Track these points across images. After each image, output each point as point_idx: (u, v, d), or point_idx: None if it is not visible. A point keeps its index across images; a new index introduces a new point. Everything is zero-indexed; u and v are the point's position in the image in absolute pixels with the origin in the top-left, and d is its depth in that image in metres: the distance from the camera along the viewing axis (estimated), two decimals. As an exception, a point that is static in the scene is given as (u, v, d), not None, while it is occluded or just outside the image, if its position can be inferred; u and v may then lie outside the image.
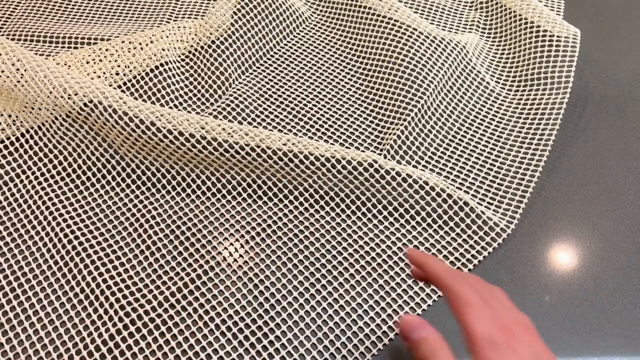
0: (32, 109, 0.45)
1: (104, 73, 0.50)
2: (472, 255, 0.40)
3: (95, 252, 0.39)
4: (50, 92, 0.43)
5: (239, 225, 0.42)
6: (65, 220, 0.41)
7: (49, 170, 0.44)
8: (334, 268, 0.39)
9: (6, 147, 0.46)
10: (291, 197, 0.43)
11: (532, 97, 0.49)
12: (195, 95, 0.51)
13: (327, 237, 0.41)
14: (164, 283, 0.38)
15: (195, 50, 0.52)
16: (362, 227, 0.41)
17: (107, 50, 0.51)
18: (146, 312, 0.37)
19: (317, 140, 0.46)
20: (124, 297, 0.37)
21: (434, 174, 0.45)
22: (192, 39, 0.53)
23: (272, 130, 0.47)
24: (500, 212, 0.42)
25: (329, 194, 0.42)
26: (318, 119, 0.49)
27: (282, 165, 0.41)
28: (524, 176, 0.44)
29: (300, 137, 0.46)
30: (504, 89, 0.51)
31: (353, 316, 0.37)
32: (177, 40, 0.53)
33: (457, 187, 0.44)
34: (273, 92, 0.51)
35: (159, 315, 0.37)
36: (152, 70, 0.50)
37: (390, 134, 0.47)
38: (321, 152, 0.41)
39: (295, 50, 0.55)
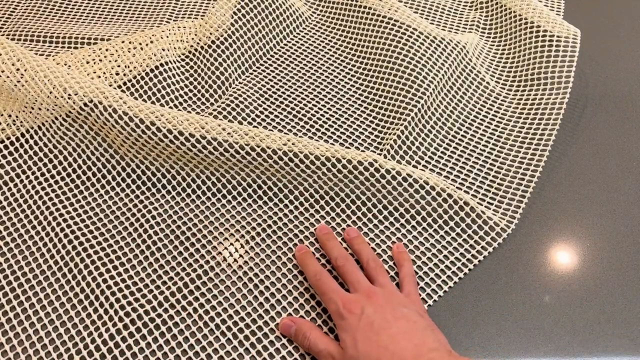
0: (32, 109, 0.45)
1: (104, 73, 0.50)
2: (472, 255, 0.40)
3: (95, 252, 0.39)
4: (50, 92, 0.43)
5: (239, 225, 0.42)
6: (65, 220, 0.41)
7: (49, 170, 0.44)
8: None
9: (6, 147, 0.46)
10: (291, 197, 0.43)
11: (532, 97, 0.49)
12: (195, 95, 0.51)
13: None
14: (164, 283, 0.38)
15: (195, 50, 0.52)
16: (362, 227, 0.41)
17: (107, 50, 0.51)
18: (146, 312, 0.37)
19: (317, 140, 0.46)
20: (124, 297, 0.37)
21: (434, 173, 0.45)
22: (192, 39, 0.53)
23: (272, 130, 0.47)
24: (500, 212, 0.42)
25: (329, 193, 0.42)
26: (318, 119, 0.49)
27: (282, 165, 0.41)
28: (524, 176, 0.44)
29: (300, 137, 0.46)
30: (504, 89, 0.51)
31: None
32: (177, 40, 0.53)
33: (457, 187, 0.44)
34: (273, 92, 0.51)
35: (159, 315, 0.37)
36: (152, 70, 0.50)
37: (390, 134, 0.47)
38: (321, 152, 0.41)
39: (295, 50, 0.55)
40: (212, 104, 0.50)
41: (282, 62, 0.53)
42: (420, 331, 0.32)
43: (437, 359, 0.30)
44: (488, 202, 0.43)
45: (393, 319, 0.33)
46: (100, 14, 0.59)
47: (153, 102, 0.49)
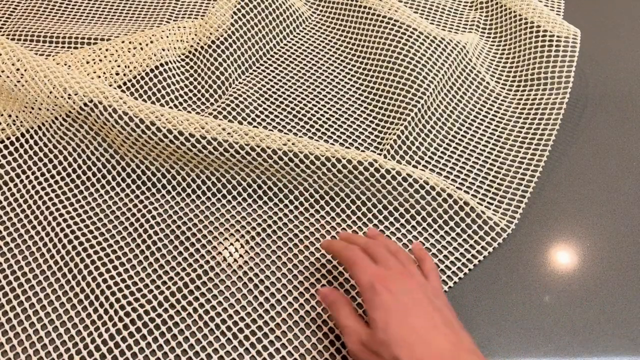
0: (32, 109, 0.45)
1: (104, 73, 0.50)
2: (473, 255, 0.40)
3: (96, 252, 0.39)
4: (50, 92, 0.43)
5: (239, 225, 0.42)
6: (65, 220, 0.41)
7: (49, 170, 0.44)
8: (334, 268, 0.39)
9: (6, 147, 0.46)
10: (291, 197, 0.43)
11: (532, 97, 0.49)
12: (195, 95, 0.51)
13: (327, 237, 0.41)
14: (164, 283, 0.38)
15: (195, 50, 0.52)
16: (362, 227, 0.41)
17: (107, 50, 0.51)
18: (146, 312, 0.37)
19: (317, 141, 0.46)
20: (124, 296, 0.37)
21: (434, 173, 0.45)
22: (192, 39, 0.53)
23: (272, 131, 0.47)
24: (501, 212, 0.42)
25: (329, 193, 0.42)
26: (318, 119, 0.49)
27: (282, 165, 0.41)
28: (524, 176, 0.44)
29: (300, 137, 0.46)
30: (504, 89, 0.51)
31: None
32: (177, 40, 0.53)
33: (457, 187, 0.44)
34: (273, 92, 0.51)
35: (159, 315, 0.37)
36: (152, 70, 0.50)
37: (390, 134, 0.47)
38: (321, 152, 0.41)
39: (295, 50, 0.55)
40: (212, 104, 0.50)
41: (282, 62, 0.53)
42: (457, 330, 0.30)
43: None
44: (488, 202, 0.43)
45: (431, 309, 0.31)
46: (100, 14, 0.59)
47: (153, 102, 0.49)
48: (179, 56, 0.52)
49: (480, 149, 0.46)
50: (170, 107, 0.49)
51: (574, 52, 0.49)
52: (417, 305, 0.31)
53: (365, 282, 0.32)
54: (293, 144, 0.41)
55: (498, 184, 0.44)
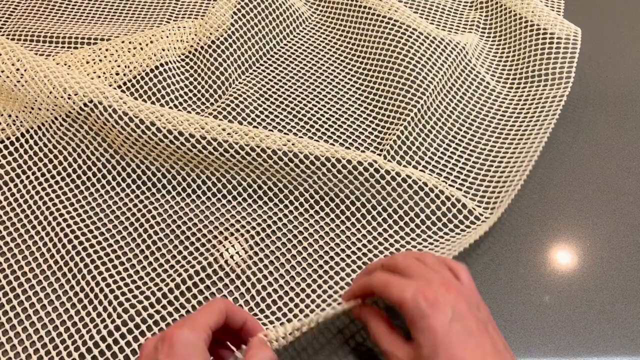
0: (32, 109, 0.45)
1: (104, 73, 0.50)
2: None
3: (96, 252, 0.39)
4: (50, 92, 0.43)
5: (238, 224, 0.42)
6: (65, 220, 0.41)
7: (49, 171, 0.44)
8: (331, 268, 0.39)
9: (6, 147, 0.46)
10: (291, 198, 0.43)
11: (532, 95, 0.49)
12: (195, 95, 0.51)
13: (326, 238, 0.41)
14: (163, 280, 0.38)
15: (195, 50, 0.52)
16: (360, 230, 0.41)
17: (107, 50, 0.51)
18: (145, 309, 0.37)
19: (317, 141, 0.46)
20: (123, 294, 0.37)
21: (433, 175, 0.45)
22: (192, 39, 0.53)
23: (272, 131, 0.47)
24: (501, 212, 0.42)
25: (328, 194, 0.42)
26: (318, 119, 0.49)
27: (282, 165, 0.41)
28: (519, 169, 0.44)
29: (300, 137, 0.46)
30: (504, 88, 0.51)
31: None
32: (177, 40, 0.53)
33: (457, 188, 0.44)
34: (273, 92, 0.51)
35: (158, 312, 0.37)
36: (152, 70, 0.50)
37: (390, 134, 0.47)
38: (321, 152, 0.41)
39: (295, 50, 0.55)
40: (212, 104, 0.50)
41: (282, 62, 0.53)
42: (504, 355, 0.28)
43: None
44: (487, 203, 0.43)
45: (480, 334, 0.28)
46: (100, 14, 0.59)
47: (153, 102, 0.49)
48: (179, 56, 0.52)
49: (480, 149, 0.46)
50: (170, 107, 0.49)
51: (574, 50, 0.49)
52: (467, 331, 0.28)
53: (410, 301, 0.29)
54: (293, 144, 0.41)
55: (500, 185, 0.44)
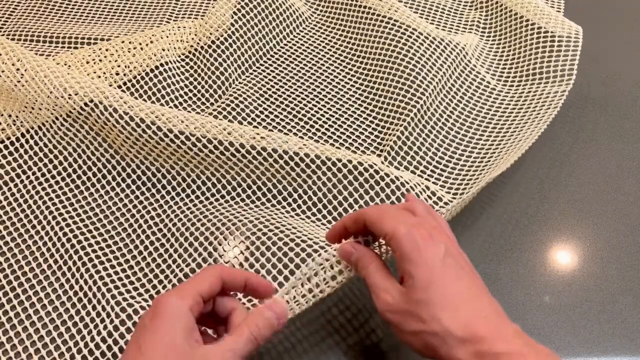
0: (32, 109, 0.45)
1: (104, 73, 0.50)
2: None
3: (95, 252, 0.39)
4: (51, 92, 0.43)
5: (239, 224, 0.42)
6: (65, 220, 0.41)
7: (49, 171, 0.44)
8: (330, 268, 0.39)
9: (6, 147, 0.46)
10: (290, 200, 0.43)
11: (532, 94, 0.49)
12: (195, 95, 0.51)
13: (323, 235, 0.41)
14: (163, 282, 0.38)
15: (195, 50, 0.52)
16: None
17: (107, 50, 0.51)
18: (144, 309, 0.37)
19: (317, 141, 0.46)
20: (123, 296, 0.37)
21: (435, 175, 0.45)
22: (192, 39, 0.53)
23: (272, 131, 0.47)
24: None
25: (326, 196, 0.42)
26: (318, 119, 0.49)
27: (281, 165, 0.41)
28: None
29: (300, 137, 0.47)
30: (504, 87, 0.51)
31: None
32: (177, 40, 0.53)
33: (457, 186, 0.44)
34: (273, 92, 0.51)
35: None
36: (152, 70, 0.50)
37: (390, 135, 0.47)
38: (321, 152, 0.41)
39: (295, 50, 0.55)
40: (212, 104, 0.50)
41: (282, 62, 0.53)
42: (495, 300, 0.28)
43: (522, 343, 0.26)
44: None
45: (472, 273, 0.29)
46: (100, 14, 0.59)
47: (153, 102, 0.49)
48: (179, 56, 0.52)
49: (479, 148, 0.46)
50: (170, 107, 0.49)
51: (576, 48, 0.49)
52: (459, 267, 0.29)
53: (403, 234, 0.29)
54: (294, 143, 0.41)
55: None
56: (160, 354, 0.26)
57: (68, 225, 0.41)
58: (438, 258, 0.28)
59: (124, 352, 0.27)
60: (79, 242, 0.40)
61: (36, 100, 0.44)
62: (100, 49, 0.51)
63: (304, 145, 0.41)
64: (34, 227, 0.41)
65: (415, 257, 0.28)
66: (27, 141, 0.46)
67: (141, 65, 0.51)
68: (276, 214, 0.42)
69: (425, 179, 0.44)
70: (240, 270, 0.31)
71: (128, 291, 0.37)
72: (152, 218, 0.42)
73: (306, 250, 0.38)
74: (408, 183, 0.41)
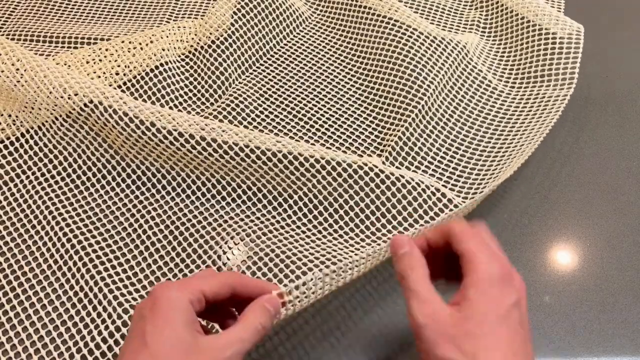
0: (32, 109, 0.45)
1: (104, 73, 0.50)
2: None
3: (95, 252, 0.39)
4: (50, 92, 0.43)
5: (239, 226, 0.42)
6: (65, 220, 0.41)
7: (49, 171, 0.44)
8: (331, 271, 0.39)
9: (6, 147, 0.46)
10: (290, 202, 0.42)
11: (534, 94, 0.49)
12: (195, 95, 0.51)
13: (324, 240, 0.41)
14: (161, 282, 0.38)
15: (195, 50, 0.52)
16: (359, 234, 0.41)
17: (107, 50, 0.51)
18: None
19: (317, 142, 0.46)
20: (123, 295, 0.37)
21: (436, 175, 0.45)
22: (192, 39, 0.53)
23: (271, 131, 0.47)
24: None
25: (327, 199, 0.42)
26: (318, 119, 0.49)
27: (281, 168, 0.41)
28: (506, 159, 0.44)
29: (299, 138, 0.47)
30: (506, 86, 0.51)
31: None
32: (177, 40, 0.53)
33: (460, 187, 0.44)
34: (273, 92, 0.51)
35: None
36: (152, 70, 0.50)
37: (391, 135, 0.47)
38: (321, 155, 0.41)
39: (295, 50, 0.55)
40: (212, 104, 0.50)
41: (282, 62, 0.53)
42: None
43: None
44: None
45: (525, 334, 0.28)
46: (100, 14, 0.59)
47: (153, 102, 0.49)
48: (179, 56, 0.52)
49: (481, 149, 0.46)
50: (170, 107, 0.49)
51: (577, 47, 0.49)
52: (520, 323, 0.27)
53: (484, 263, 0.27)
54: (293, 147, 0.41)
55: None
56: (166, 345, 0.25)
57: (68, 225, 0.41)
58: (505, 303, 0.27)
59: (125, 345, 0.27)
60: (79, 242, 0.40)
61: (36, 100, 0.44)
62: (100, 49, 0.51)
63: (304, 149, 0.41)
64: (34, 227, 0.41)
65: (484, 287, 0.27)
66: (27, 141, 0.46)
67: (141, 65, 0.51)
68: (276, 219, 0.42)
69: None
70: (257, 280, 0.30)
71: (129, 292, 0.38)
72: (152, 218, 0.42)
73: (307, 265, 0.38)
74: (410, 183, 0.41)
